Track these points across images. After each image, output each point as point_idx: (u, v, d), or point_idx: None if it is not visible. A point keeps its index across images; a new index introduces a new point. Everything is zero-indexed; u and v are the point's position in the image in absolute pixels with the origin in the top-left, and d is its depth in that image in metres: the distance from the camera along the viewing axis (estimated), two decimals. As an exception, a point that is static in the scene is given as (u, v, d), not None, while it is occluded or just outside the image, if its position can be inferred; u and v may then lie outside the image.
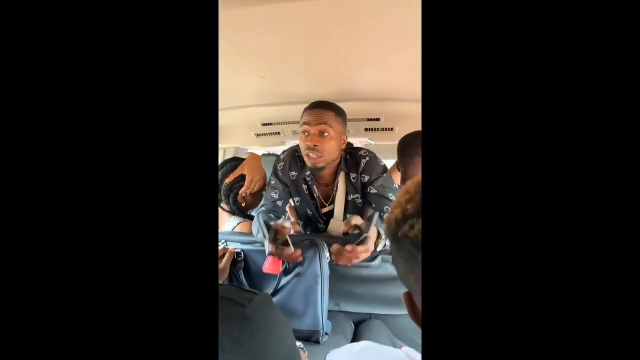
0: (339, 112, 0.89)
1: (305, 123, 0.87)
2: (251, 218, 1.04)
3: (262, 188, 1.02)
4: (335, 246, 0.69)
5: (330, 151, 0.87)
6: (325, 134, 0.85)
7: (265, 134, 1.37)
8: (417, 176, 0.33)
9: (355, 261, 0.69)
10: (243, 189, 1.00)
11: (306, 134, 0.87)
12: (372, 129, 1.32)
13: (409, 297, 0.33)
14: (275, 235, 0.73)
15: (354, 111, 1.19)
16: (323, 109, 0.86)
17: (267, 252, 0.74)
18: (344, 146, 0.93)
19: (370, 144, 1.80)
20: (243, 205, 1.04)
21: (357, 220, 0.72)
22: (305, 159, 0.89)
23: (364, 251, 0.68)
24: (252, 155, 1.07)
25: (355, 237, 0.72)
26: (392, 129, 1.29)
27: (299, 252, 0.74)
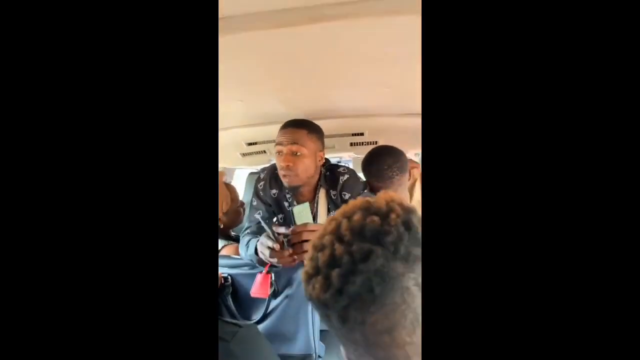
0: (312, 130, 0.88)
1: (278, 143, 0.87)
2: (235, 240, 1.02)
3: (232, 206, 1.02)
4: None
5: (305, 170, 0.87)
6: (298, 153, 0.85)
7: (251, 154, 1.37)
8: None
9: (306, 245, 0.66)
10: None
11: (280, 153, 0.87)
12: (357, 143, 1.33)
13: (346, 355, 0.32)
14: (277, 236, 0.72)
15: (338, 127, 1.21)
16: (295, 128, 0.87)
17: (270, 251, 0.71)
18: (321, 162, 0.93)
19: (358, 157, 1.82)
20: (221, 226, 1.02)
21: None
22: (282, 178, 0.89)
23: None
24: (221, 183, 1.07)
25: None
26: (376, 142, 1.31)
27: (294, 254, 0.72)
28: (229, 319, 0.42)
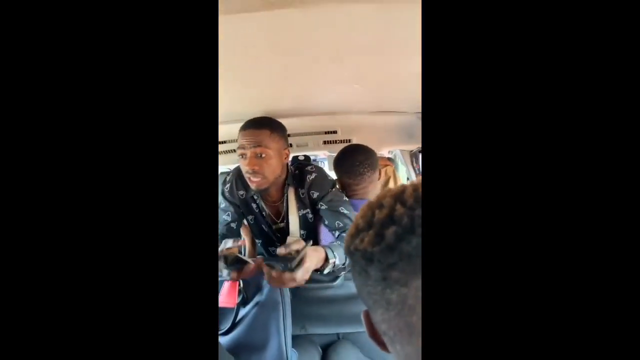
0: (275, 128, 0.84)
1: (240, 146, 0.82)
2: None
3: None
4: (267, 269, 0.65)
5: (272, 171, 0.83)
6: (263, 155, 0.80)
7: (220, 153, 1.31)
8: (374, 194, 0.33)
9: (284, 287, 0.66)
10: None
11: (243, 157, 0.82)
12: (330, 141, 1.31)
13: (366, 315, 0.32)
14: (226, 260, 0.68)
15: (310, 125, 1.19)
16: (257, 129, 0.82)
17: (228, 279, 0.69)
18: (287, 161, 0.90)
19: (333, 155, 1.80)
20: None
21: (298, 245, 0.68)
22: (248, 182, 0.85)
23: (290, 279, 0.63)
24: None
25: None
26: (349, 140, 1.29)
27: (259, 260, 0.69)
28: None
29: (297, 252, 0.66)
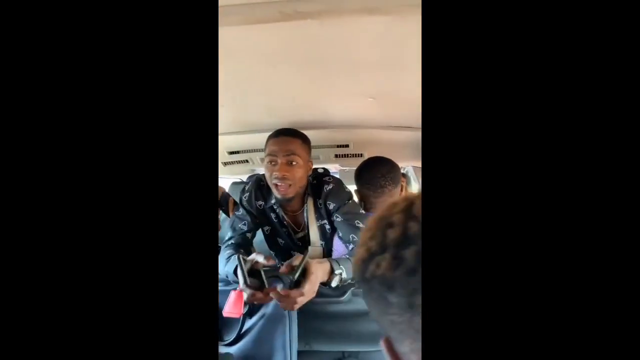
0: (305, 140, 0.88)
1: (271, 153, 0.84)
2: None
3: None
4: (273, 292, 0.65)
5: (300, 180, 0.85)
6: (294, 163, 0.83)
7: (233, 162, 1.33)
8: (377, 212, 0.31)
9: (297, 306, 0.64)
10: None
11: (273, 163, 0.84)
12: (342, 155, 1.32)
13: (389, 344, 0.30)
14: (251, 273, 0.69)
15: (323, 138, 1.20)
16: (290, 137, 0.85)
17: (241, 283, 0.69)
18: (310, 172, 0.91)
19: (345, 169, 1.81)
20: None
21: (297, 260, 0.68)
22: (273, 189, 0.86)
23: (298, 295, 0.63)
24: None
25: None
26: (361, 154, 1.29)
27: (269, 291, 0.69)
28: None
29: (298, 266, 0.66)
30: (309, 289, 0.63)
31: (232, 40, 0.53)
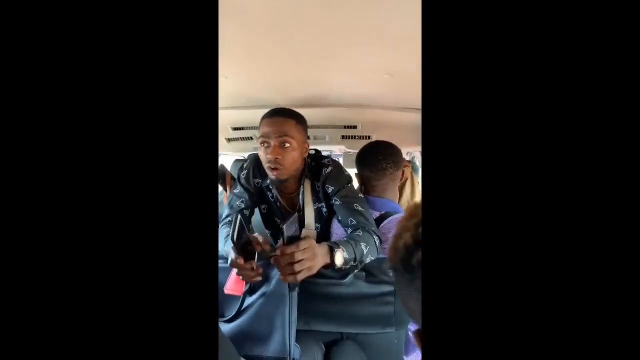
0: (300, 120, 0.83)
1: (264, 134, 0.81)
2: None
3: None
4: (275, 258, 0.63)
5: (293, 162, 0.82)
6: (287, 145, 0.80)
7: (237, 139, 1.30)
8: (418, 198, 0.31)
9: (299, 275, 0.61)
10: None
11: (266, 145, 0.81)
12: (349, 136, 1.28)
13: (419, 334, 0.30)
14: (245, 245, 0.67)
15: (329, 118, 1.15)
16: (284, 117, 0.81)
17: (229, 260, 0.67)
18: (306, 154, 0.88)
19: (349, 152, 1.77)
20: None
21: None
22: (267, 171, 0.84)
23: (294, 249, 0.60)
24: None
25: None
26: (369, 137, 1.26)
27: (260, 270, 0.68)
28: None
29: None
30: (303, 245, 0.61)
31: (240, 5, 0.48)
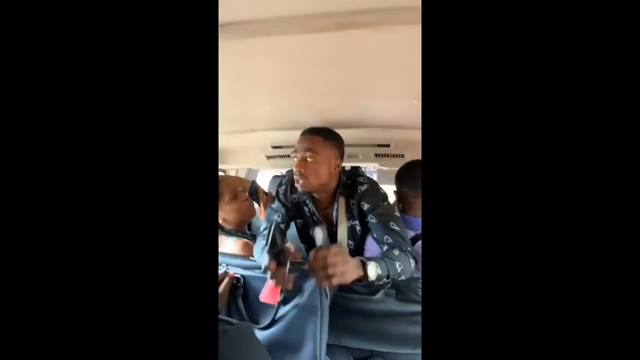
0: (328, 137, 0.89)
1: (294, 149, 0.89)
2: (250, 237, 1.03)
3: (221, 199, 1.04)
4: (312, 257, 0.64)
5: (316, 176, 0.87)
6: (309, 159, 0.86)
7: (275, 157, 1.39)
8: None
9: (335, 280, 0.62)
10: None
11: (294, 158, 0.88)
12: (382, 155, 1.31)
13: None
14: (279, 253, 0.71)
15: (363, 137, 1.20)
16: (311, 135, 0.88)
17: (263, 266, 0.71)
18: (336, 169, 0.91)
19: (383, 169, 1.78)
20: (221, 221, 1.05)
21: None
22: (295, 183, 0.90)
23: (326, 252, 0.61)
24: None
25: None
26: (402, 155, 1.27)
27: (291, 278, 0.71)
28: (223, 317, 0.41)
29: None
30: (337, 248, 0.62)
31: (281, 47, 0.56)
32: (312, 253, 0.63)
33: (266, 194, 1.04)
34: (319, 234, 0.65)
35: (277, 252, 0.70)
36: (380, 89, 0.78)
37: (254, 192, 1.03)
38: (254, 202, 1.04)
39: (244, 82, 0.74)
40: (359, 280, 0.69)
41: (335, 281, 0.62)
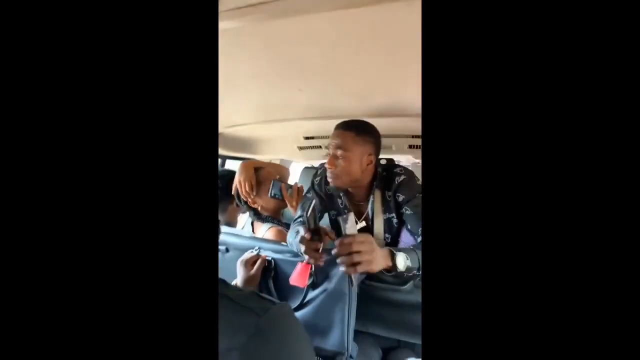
0: (361, 132, 0.86)
1: (327, 145, 0.89)
2: (284, 225, 1.06)
3: (260, 187, 1.06)
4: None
5: (347, 173, 0.86)
6: (340, 157, 0.85)
7: (308, 148, 1.40)
8: None
9: (360, 268, 0.62)
10: (241, 193, 1.05)
11: (328, 155, 0.88)
12: (416, 146, 1.27)
13: None
14: (316, 232, 0.72)
15: (397, 127, 1.16)
16: (343, 130, 0.86)
17: (298, 238, 0.72)
18: (370, 165, 0.89)
19: (418, 163, 1.73)
20: (259, 208, 1.08)
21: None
22: (328, 179, 0.90)
23: (351, 239, 0.62)
24: (241, 164, 1.11)
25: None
26: (438, 147, 1.22)
27: (323, 256, 0.72)
28: (264, 295, 0.42)
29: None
30: (363, 237, 0.63)
31: (317, 26, 0.55)
32: (338, 240, 0.64)
33: (290, 187, 1.06)
34: (346, 222, 0.66)
35: (313, 230, 0.71)
36: (416, 71, 0.74)
37: (278, 191, 1.06)
38: (278, 200, 1.07)
39: (274, 67, 0.73)
40: (387, 270, 0.69)
41: (361, 269, 0.63)
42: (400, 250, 0.70)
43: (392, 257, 0.69)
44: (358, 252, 0.62)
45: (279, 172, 1.13)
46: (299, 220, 0.97)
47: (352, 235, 0.64)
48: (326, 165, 0.87)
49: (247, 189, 1.05)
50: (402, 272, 0.69)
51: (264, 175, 1.09)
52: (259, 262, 0.86)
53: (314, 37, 0.59)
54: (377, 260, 0.65)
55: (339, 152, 0.85)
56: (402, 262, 0.68)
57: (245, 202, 1.07)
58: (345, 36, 0.58)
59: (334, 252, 0.64)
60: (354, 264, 0.62)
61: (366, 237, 0.65)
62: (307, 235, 0.70)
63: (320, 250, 0.70)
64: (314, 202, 0.72)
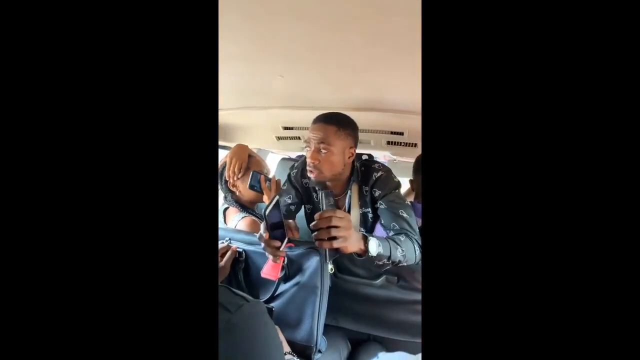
0: (343, 126, 0.86)
1: (307, 139, 0.87)
2: (258, 217, 1.03)
3: (247, 173, 1.02)
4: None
5: (330, 168, 0.85)
6: (324, 151, 0.84)
7: (286, 138, 1.37)
8: None
9: (336, 243, 0.62)
10: (227, 172, 1.00)
11: (308, 149, 0.86)
12: (394, 142, 1.27)
13: None
14: (276, 226, 0.71)
15: (376, 122, 1.16)
16: (325, 124, 0.85)
17: (260, 233, 0.70)
18: (350, 158, 0.89)
19: (395, 160, 1.75)
20: (237, 193, 1.03)
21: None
22: (308, 173, 0.88)
23: (331, 212, 0.62)
24: (237, 145, 1.07)
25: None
26: (415, 144, 1.24)
27: (283, 253, 0.71)
28: (238, 292, 0.40)
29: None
30: (342, 213, 0.63)
31: (303, 5, 0.52)
32: (318, 214, 0.63)
33: (269, 180, 1.03)
34: (325, 199, 0.65)
35: (274, 224, 0.70)
36: (402, 65, 0.73)
37: (257, 183, 1.02)
38: (257, 192, 1.03)
39: (254, 48, 0.69)
40: (359, 255, 0.68)
41: (337, 244, 0.62)
42: (373, 236, 0.71)
43: (365, 241, 0.68)
44: (336, 227, 0.62)
45: (264, 168, 1.09)
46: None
47: (333, 210, 0.63)
48: (308, 160, 0.85)
49: (235, 170, 1.01)
50: (372, 258, 0.69)
51: (253, 163, 1.05)
52: (228, 253, 0.83)
53: (299, 16, 0.56)
54: (352, 240, 0.65)
55: (322, 146, 0.83)
56: (375, 247, 0.68)
57: (226, 182, 1.03)
58: (331, 18, 0.56)
59: (312, 225, 0.63)
60: (331, 239, 0.62)
61: (345, 214, 0.64)
62: (266, 235, 0.68)
63: (281, 248, 0.69)
64: (276, 199, 0.70)
